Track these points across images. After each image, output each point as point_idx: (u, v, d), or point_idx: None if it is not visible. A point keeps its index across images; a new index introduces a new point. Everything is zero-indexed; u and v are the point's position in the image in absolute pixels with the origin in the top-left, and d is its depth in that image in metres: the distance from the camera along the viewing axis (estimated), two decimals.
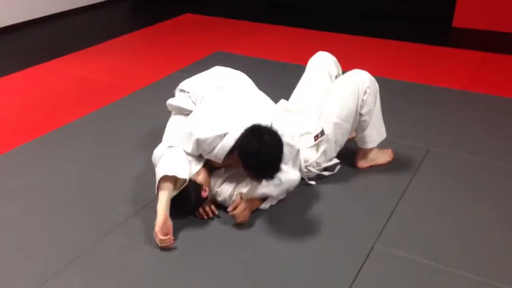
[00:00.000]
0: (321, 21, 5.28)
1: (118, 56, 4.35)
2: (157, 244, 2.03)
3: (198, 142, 2.14)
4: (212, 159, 2.17)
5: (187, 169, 2.13)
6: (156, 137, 2.57)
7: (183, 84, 2.52)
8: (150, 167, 2.41)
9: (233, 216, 2.13)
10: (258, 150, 2.00)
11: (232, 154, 2.10)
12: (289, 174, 2.18)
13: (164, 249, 2.02)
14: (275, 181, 2.14)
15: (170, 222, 2.04)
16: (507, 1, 4.76)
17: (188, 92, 2.45)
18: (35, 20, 5.25)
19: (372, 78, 2.43)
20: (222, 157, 2.12)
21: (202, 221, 2.20)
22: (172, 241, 2.03)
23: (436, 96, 3.49)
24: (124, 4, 6.21)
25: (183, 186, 2.11)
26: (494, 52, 4.28)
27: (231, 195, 2.20)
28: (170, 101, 2.48)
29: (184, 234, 2.14)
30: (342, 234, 2.14)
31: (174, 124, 2.40)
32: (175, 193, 2.11)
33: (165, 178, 2.08)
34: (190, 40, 4.75)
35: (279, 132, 2.08)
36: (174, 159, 2.15)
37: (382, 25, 5.17)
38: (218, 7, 6.05)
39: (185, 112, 2.41)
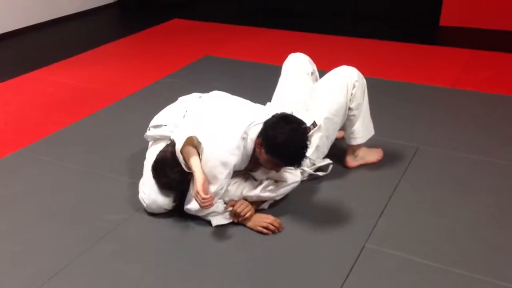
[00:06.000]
0: (308, 23, 5.30)
1: (106, 63, 4.33)
2: (199, 203, 2.00)
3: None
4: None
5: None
6: (144, 144, 2.55)
7: (156, 121, 2.43)
8: (138, 175, 2.40)
9: (237, 214, 2.12)
10: (290, 139, 1.99)
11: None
12: (293, 175, 2.22)
13: (206, 208, 2.03)
14: (281, 183, 2.19)
15: (207, 183, 2.03)
16: None
17: (165, 126, 2.38)
18: (21, 30, 5.22)
19: (360, 73, 2.46)
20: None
21: (193, 225, 2.18)
22: (213, 200, 2.02)
23: (425, 95, 3.50)
24: (112, 11, 6.19)
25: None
26: (481, 49, 4.31)
27: (238, 196, 2.19)
28: (149, 133, 2.43)
29: (174, 238, 2.13)
30: (332, 234, 2.13)
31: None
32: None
33: (186, 142, 2.06)
34: (178, 46, 4.74)
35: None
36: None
37: (369, 25, 5.19)
38: (206, 12, 6.04)
39: (166, 138, 2.35)
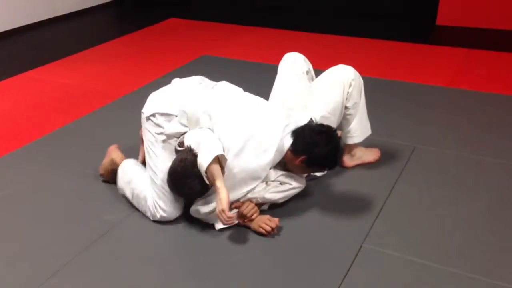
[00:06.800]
0: (305, 22, 5.29)
1: (102, 62, 4.32)
2: (222, 221, 2.00)
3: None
4: None
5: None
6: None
7: (160, 107, 2.23)
8: None
9: (243, 216, 2.11)
10: (331, 151, 2.14)
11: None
12: (299, 180, 2.24)
13: (228, 224, 2.07)
14: (286, 186, 2.21)
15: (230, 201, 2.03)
16: None
17: (172, 115, 2.21)
18: (17, 29, 5.20)
19: (357, 72, 2.47)
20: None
21: (191, 225, 2.18)
22: (236, 217, 2.05)
23: (421, 94, 3.51)
24: (108, 11, 6.18)
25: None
26: (477, 48, 4.32)
27: (242, 198, 2.18)
28: (166, 130, 2.21)
29: (172, 238, 2.13)
30: (330, 234, 2.13)
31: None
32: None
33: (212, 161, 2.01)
34: (175, 45, 4.73)
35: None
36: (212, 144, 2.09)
37: (366, 24, 5.19)
38: (202, 11, 6.04)
39: (176, 136, 2.23)
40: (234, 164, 2.08)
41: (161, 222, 2.19)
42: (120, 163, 2.42)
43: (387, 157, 2.66)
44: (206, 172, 2.00)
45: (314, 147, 2.10)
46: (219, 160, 2.02)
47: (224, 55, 4.38)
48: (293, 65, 2.57)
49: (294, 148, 2.14)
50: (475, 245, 2.04)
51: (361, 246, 2.04)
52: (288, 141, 2.14)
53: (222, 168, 2.04)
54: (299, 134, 2.15)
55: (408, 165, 2.61)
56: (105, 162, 2.49)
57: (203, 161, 2.00)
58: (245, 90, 2.51)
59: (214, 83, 2.40)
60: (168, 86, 2.38)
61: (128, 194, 2.32)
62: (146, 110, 2.27)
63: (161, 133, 2.21)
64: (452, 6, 4.98)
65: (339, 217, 2.23)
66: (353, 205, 2.31)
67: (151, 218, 2.20)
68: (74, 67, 4.21)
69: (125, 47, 4.79)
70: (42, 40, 5.06)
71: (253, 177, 2.11)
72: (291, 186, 2.22)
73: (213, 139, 2.10)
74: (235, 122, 2.18)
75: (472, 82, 3.64)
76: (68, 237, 2.16)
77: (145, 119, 2.27)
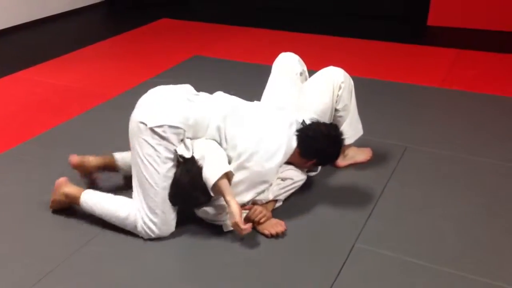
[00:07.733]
0: (297, 23, 5.30)
1: (93, 63, 4.30)
2: (239, 232, 2.00)
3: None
4: None
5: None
6: None
7: (166, 119, 2.03)
8: (127, 176, 2.38)
9: (251, 220, 2.11)
10: (337, 148, 2.24)
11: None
12: (299, 173, 2.28)
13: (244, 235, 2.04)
14: (288, 181, 2.24)
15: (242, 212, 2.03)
16: None
17: (181, 129, 2.05)
18: (9, 29, 5.16)
19: (347, 74, 2.46)
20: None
21: (182, 226, 2.17)
22: (251, 227, 2.03)
23: (413, 94, 3.53)
24: (99, 11, 6.15)
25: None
26: (468, 49, 4.34)
27: (247, 200, 2.18)
28: (178, 151, 2.07)
29: (163, 240, 2.12)
30: (322, 234, 2.13)
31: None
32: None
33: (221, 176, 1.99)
34: (167, 45, 4.72)
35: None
36: (218, 158, 2.07)
37: (358, 25, 5.21)
38: (194, 11, 6.03)
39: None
40: (247, 168, 2.09)
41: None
42: (78, 195, 2.21)
43: (379, 157, 2.68)
44: (213, 186, 2.00)
45: (324, 151, 2.20)
46: (227, 175, 2.02)
47: (216, 55, 4.37)
48: (287, 65, 2.57)
49: (302, 152, 2.18)
50: (468, 245, 2.05)
51: (353, 246, 2.04)
52: (294, 143, 2.17)
53: (229, 182, 2.04)
54: (304, 137, 2.18)
55: (400, 165, 2.62)
56: (56, 199, 2.25)
57: (211, 177, 1.99)
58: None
59: (202, 93, 2.28)
60: (157, 92, 2.19)
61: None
62: (150, 120, 2.03)
63: (167, 150, 2.04)
64: (443, 7, 5.00)
65: (332, 217, 2.24)
66: (345, 205, 2.31)
67: (145, 237, 2.10)
68: (65, 67, 4.19)
69: (117, 47, 4.77)
70: (33, 40, 5.03)
71: (264, 180, 2.13)
72: (293, 180, 2.25)
73: (218, 152, 2.09)
74: (244, 127, 2.17)
75: (463, 82, 3.66)
76: (59, 238, 2.14)
77: (146, 129, 2.03)
